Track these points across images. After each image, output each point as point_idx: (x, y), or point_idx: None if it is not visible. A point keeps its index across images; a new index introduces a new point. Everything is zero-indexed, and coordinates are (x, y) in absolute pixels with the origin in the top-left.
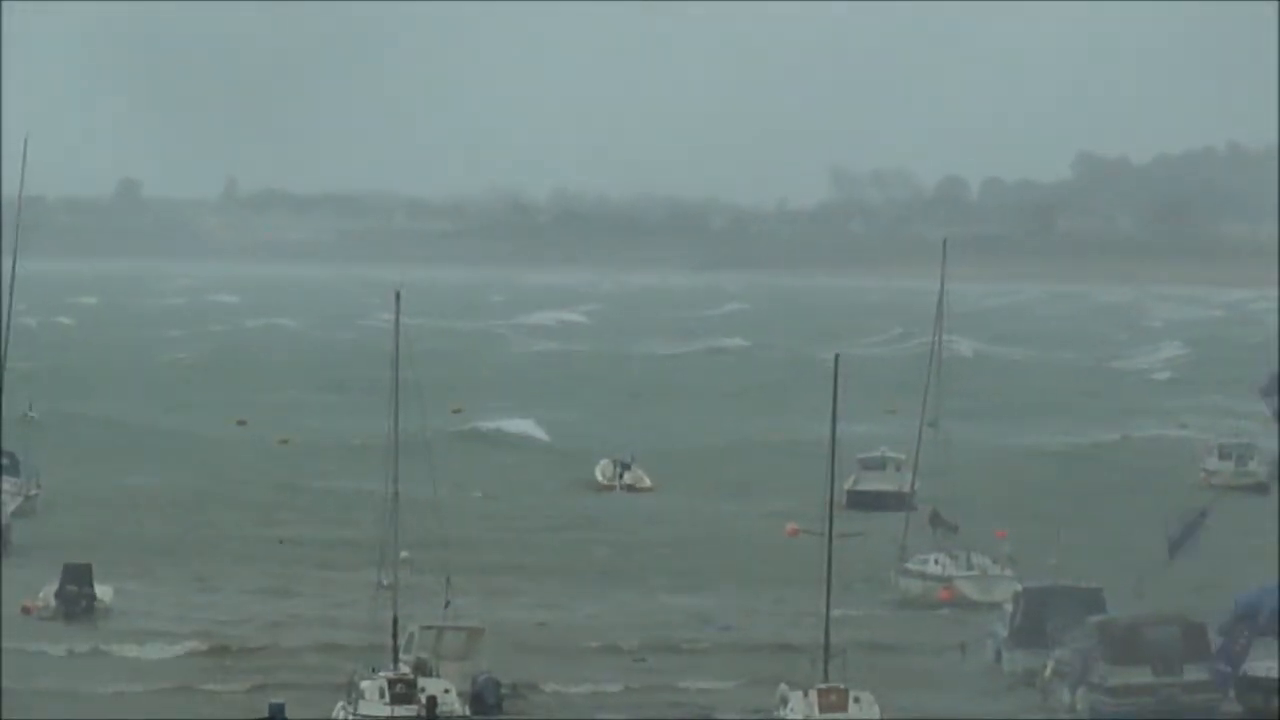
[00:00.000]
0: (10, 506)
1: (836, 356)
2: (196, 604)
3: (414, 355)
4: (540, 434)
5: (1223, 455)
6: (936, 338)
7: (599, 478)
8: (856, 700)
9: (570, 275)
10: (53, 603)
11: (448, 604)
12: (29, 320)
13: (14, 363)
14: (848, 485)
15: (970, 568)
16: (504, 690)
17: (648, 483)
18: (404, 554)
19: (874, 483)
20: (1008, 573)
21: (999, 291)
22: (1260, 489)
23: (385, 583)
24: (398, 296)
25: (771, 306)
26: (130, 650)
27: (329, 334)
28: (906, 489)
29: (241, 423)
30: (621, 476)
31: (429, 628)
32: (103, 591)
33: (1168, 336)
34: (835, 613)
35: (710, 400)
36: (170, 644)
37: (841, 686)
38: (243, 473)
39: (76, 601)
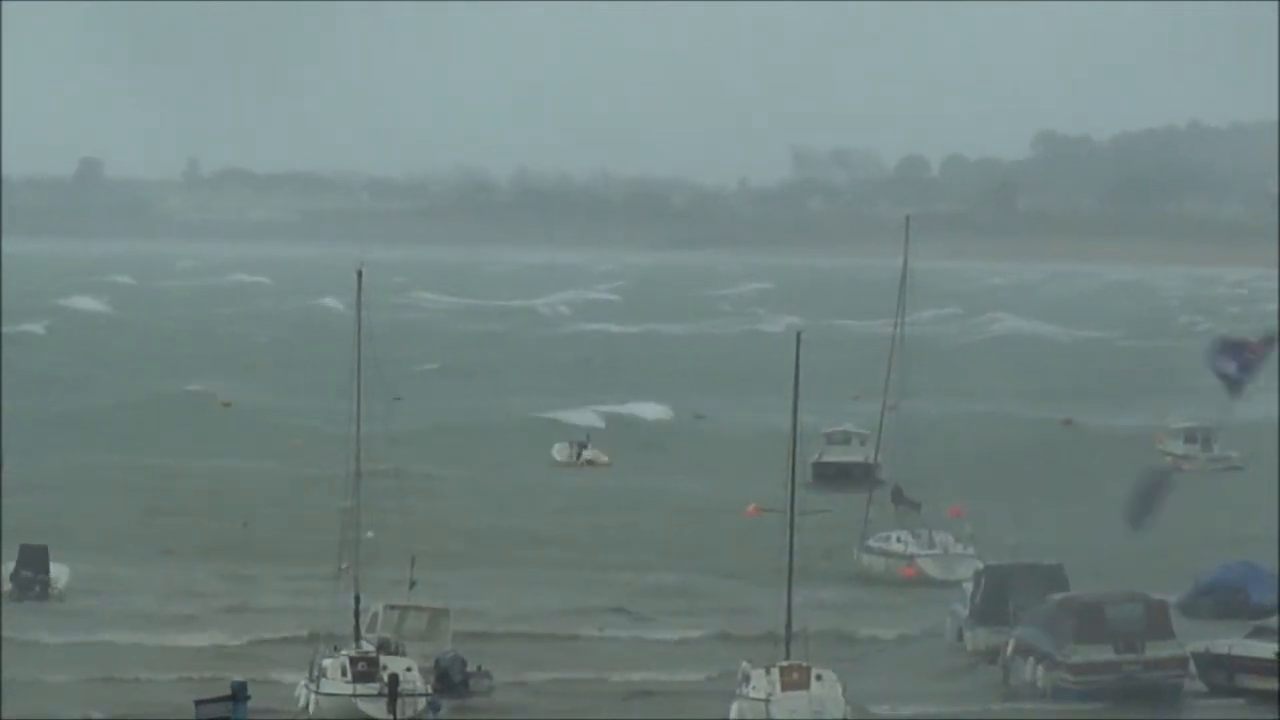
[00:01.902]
0: None
1: (799, 335)
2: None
3: (474, 337)
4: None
5: (1188, 438)
6: (899, 315)
7: (556, 456)
8: (819, 678)
9: (545, 254)
10: (7, 585)
11: (413, 584)
12: (95, 303)
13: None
14: (812, 459)
15: (933, 546)
16: (469, 669)
17: (605, 459)
18: (369, 533)
19: (838, 455)
20: (969, 551)
21: (1000, 271)
22: (1233, 470)
23: (344, 566)
24: (359, 275)
25: (793, 285)
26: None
27: (374, 316)
28: (871, 460)
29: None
30: (579, 455)
31: (393, 607)
32: (57, 572)
33: (1187, 313)
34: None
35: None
36: (119, 629)
37: (804, 664)
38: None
39: (29, 585)
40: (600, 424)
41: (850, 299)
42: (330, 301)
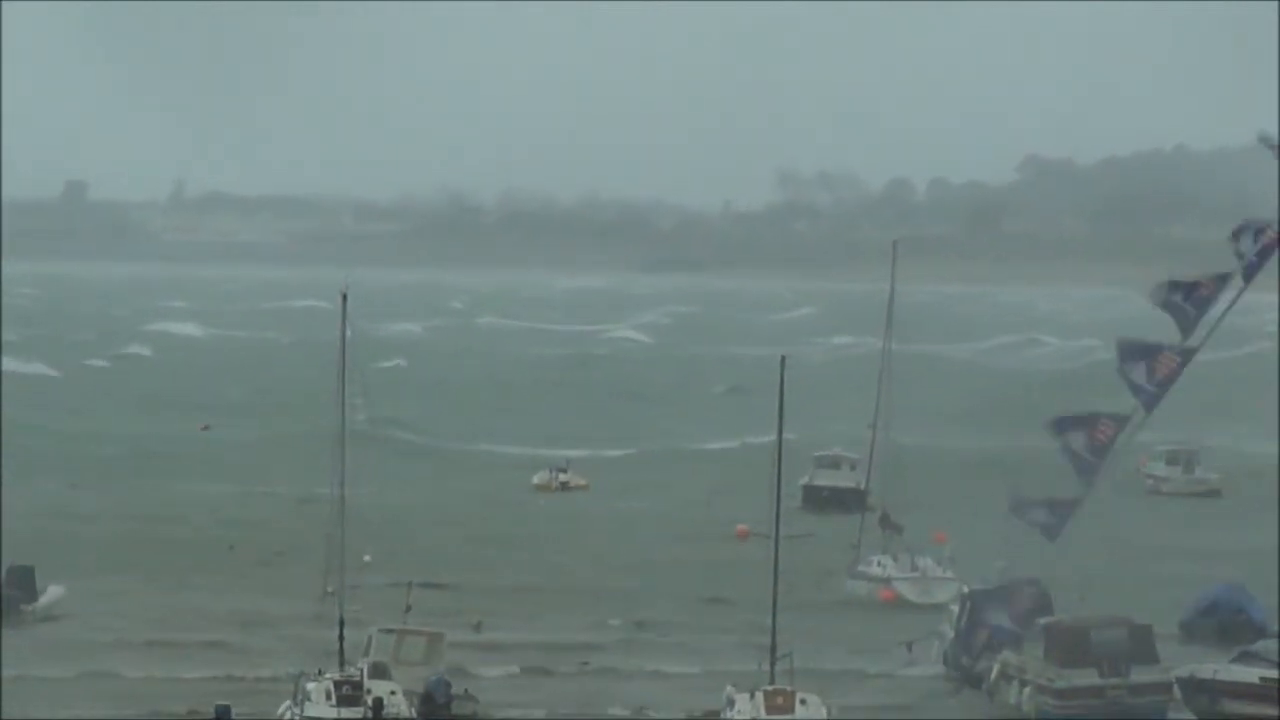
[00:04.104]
0: None
1: (783, 359)
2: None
3: (569, 361)
4: None
5: (1170, 460)
6: (886, 341)
7: (535, 481)
8: (803, 702)
9: (560, 278)
10: None
11: (408, 608)
12: (192, 328)
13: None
14: (801, 481)
15: (914, 569)
16: (454, 692)
17: (583, 481)
18: (366, 557)
19: (828, 480)
20: (949, 574)
21: (1046, 296)
22: (1212, 495)
23: (330, 590)
24: (344, 298)
25: (842, 311)
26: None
27: (455, 341)
28: (861, 485)
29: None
30: (557, 477)
31: (388, 631)
32: (53, 594)
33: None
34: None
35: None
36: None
37: (788, 688)
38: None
39: (13, 604)
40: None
41: (907, 324)
42: (409, 327)
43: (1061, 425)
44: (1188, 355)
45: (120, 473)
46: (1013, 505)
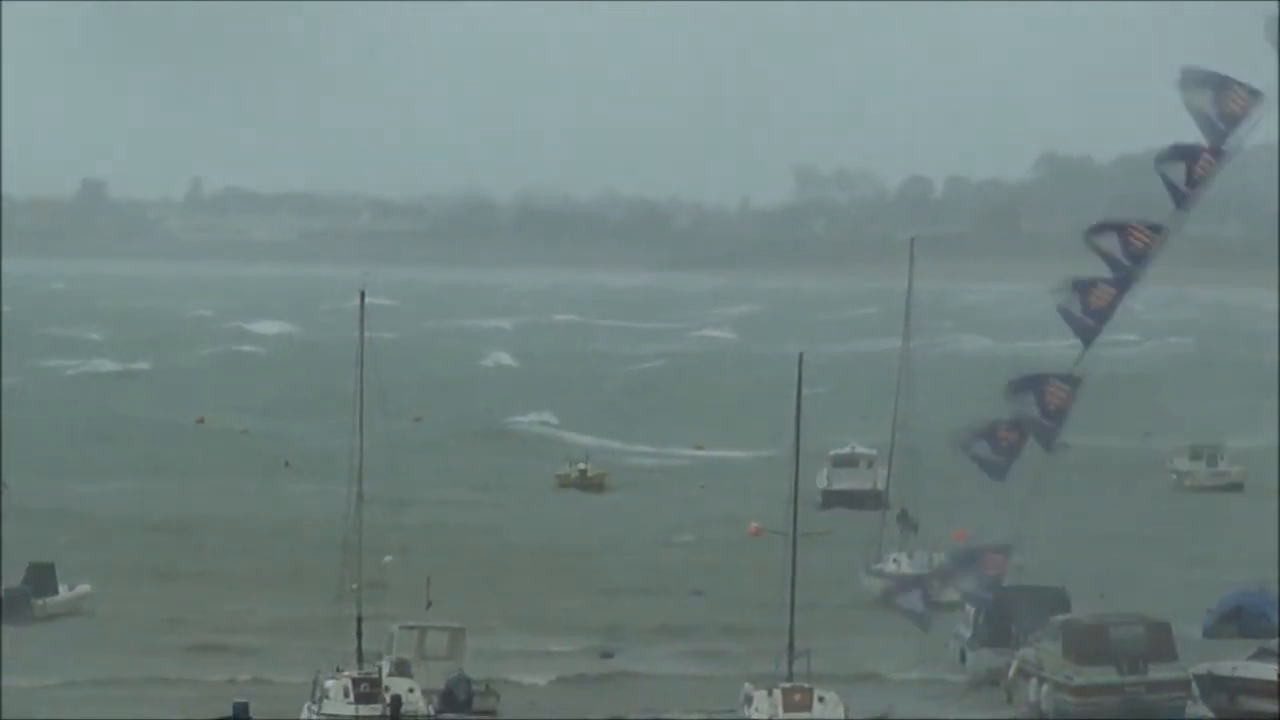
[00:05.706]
0: None
1: (800, 356)
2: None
3: (680, 357)
4: None
5: (1193, 455)
6: (905, 338)
7: (557, 472)
8: (821, 700)
9: (595, 275)
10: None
11: (429, 604)
12: (289, 327)
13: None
14: (821, 485)
15: (929, 567)
16: (475, 688)
17: (604, 472)
18: (387, 558)
19: (846, 481)
20: None
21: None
22: (1234, 489)
23: (354, 586)
24: (362, 296)
25: (897, 310)
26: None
27: (547, 339)
28: (880, 485)
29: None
30: (579, 473)
31: (410, 627)
32: (80, 591)
33: None
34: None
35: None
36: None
37: (806, 685)
38: None
39: (18, 605)
40: None
41: (999, 322)
42: (499, 323)
43: (1013, 387)
44: (1074, 384)
45: (280, 475)
46: (959, 441)
